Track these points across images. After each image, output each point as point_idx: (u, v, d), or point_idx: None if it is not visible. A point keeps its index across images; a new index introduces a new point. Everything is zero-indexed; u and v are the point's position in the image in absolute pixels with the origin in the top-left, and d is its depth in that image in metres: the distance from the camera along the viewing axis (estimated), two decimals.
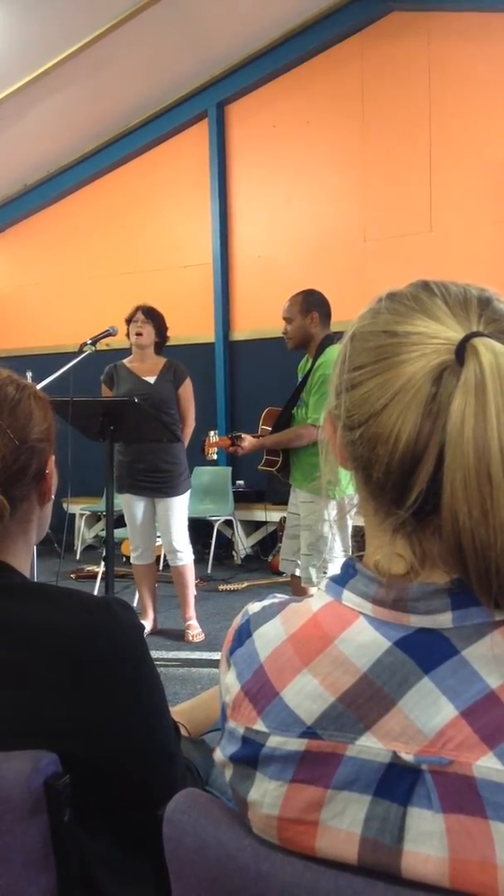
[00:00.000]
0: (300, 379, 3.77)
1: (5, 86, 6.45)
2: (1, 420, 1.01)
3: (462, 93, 6.04)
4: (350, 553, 3.50)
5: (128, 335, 4.35)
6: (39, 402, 1.08)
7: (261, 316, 6.91)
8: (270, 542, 6.76)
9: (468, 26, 5.99)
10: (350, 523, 3.59)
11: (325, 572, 3.52)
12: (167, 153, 7.45)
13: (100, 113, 7.18)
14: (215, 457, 3.76)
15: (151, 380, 4.32)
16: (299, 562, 3.72)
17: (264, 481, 6.64)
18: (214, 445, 3.70)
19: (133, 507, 4.38)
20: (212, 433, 3.79)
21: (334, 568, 3.45)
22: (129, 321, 4.34)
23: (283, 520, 6.23)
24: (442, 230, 6.17)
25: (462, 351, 0.64)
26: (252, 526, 6.99)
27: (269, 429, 3.81)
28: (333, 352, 3.09)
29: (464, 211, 6.06)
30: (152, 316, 4.33)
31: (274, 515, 6.51)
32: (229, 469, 6.86)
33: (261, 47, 6.72)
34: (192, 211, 7.31)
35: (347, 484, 0.79)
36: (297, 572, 3.75)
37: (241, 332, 7.20)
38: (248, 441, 3.66)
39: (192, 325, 6.96)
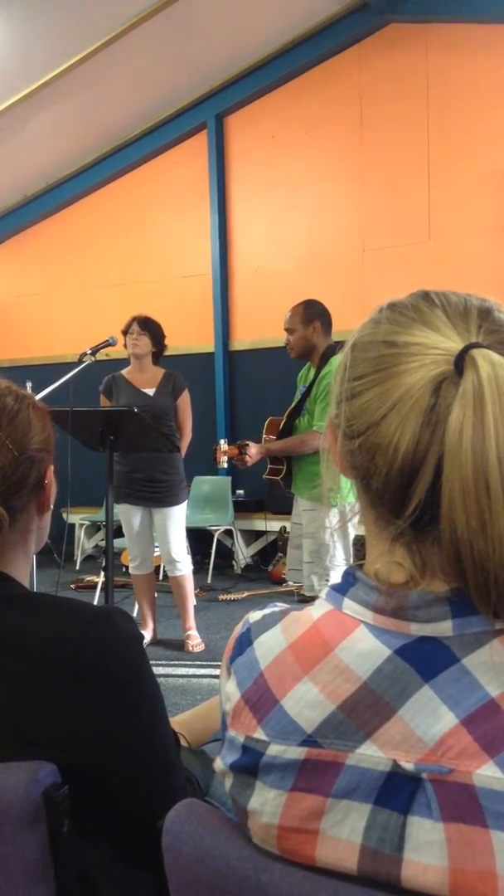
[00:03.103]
0: (302, 388, 3.79)
1: (6, 97, 6.48)
2: (0, 431, 1.01)
3: (460, 103, 6.07)
4: (351, 561, 3.50)
5: (125, 346, 4.36)
6: (38, 413, 1.08)
7: (260, 326, 6.93)
8: (271, 551, 6.76)
9: (466, 37, 6.02)
10: (352, 531, 3.59)
11: (327, 580, 3.52)
12: (166, 164, 7.48)
13: (100, 124, 7.21)
14: (226, 465, 3.75)
15: (150, 391, 4.32)
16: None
17: (264, 491, 6.64)
18: (225, 454, 3.70)
19: (131, 516, 4.38)
20: (222, 441, 3.78)
21: (336, 576, 3.46)
22: (125, 332, 4.35)
23: (284, 529, 6.28)
24: (440, 240, 6.19)
25: (461, 362, 0.65)
26: (252, 535, 6.99)
27: (273, 437, 3.82)
28: (337, 361, 3.19)
29: (462, 221, 6.08)
30: (148, 326, 4.33)
31: (274, 525, 6.50)
32: (229, 479, 6.86)
33: (259, 59, 6.75)
34: (192, 221, 7.33)
35: (349, 492, 0.79)
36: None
37: (240, 341, 7.21)
38: (254, 449, 3.65)
39: (191, 334, 6.98)
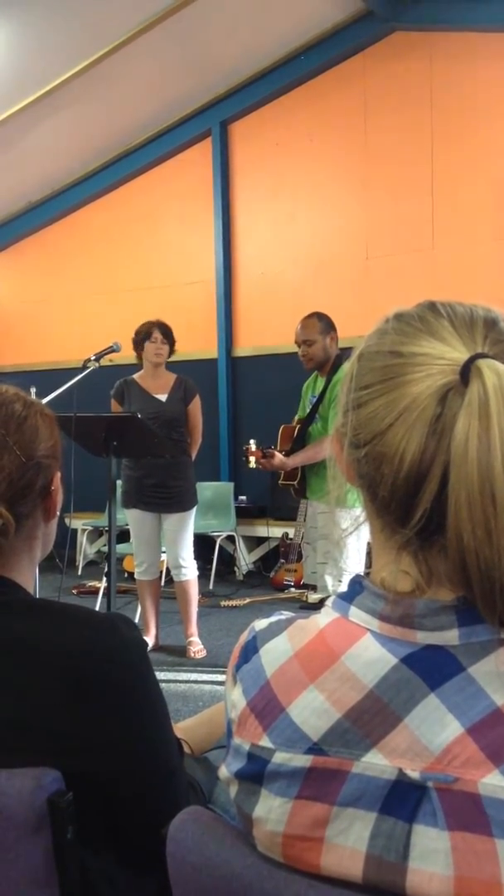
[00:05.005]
0: (311, 398, 3.87)
1: (11, 104, 6.50)
2: (7, 437, 1.02)
3: (464, 111, 6.08)
4: (364, 563, 3.56)
5: (137, 350, 4.35)
6: (46, 420, 1.09)
7: (263, 332, 6.94)
8: (272, 557, 6.75)
9: (470, 46, 6.04)
10: (366, 535, 3.63)
11: (340, 581, 3.58)
12: (171, 171, 7.50)
13: (104, 131, 7.23)
14: (254, 465, 3.90)
15: (163, 397, 4.33)
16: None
17: (267, 497, 6.64)
18: (252, 455, 3.88)
19: (140, 522, 4.38)
20: (252, 442, 3.94)
21: (349, 578, 3.50)
22: (145, 339, 4.32)
23: (286, 535, 6.29)
24: (444, 247, 6.20)
25: (466, 372, 0.65)
26: (254, 542, 6.98)
27: (288, 448, 3.92)
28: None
29: (466, 228, 6.09)
30: (168, 334, 4.35)
31: (276, 531, 6.50)
32: (231, 485, 6.87)
33: (264, 66, 6.77)
34: (196, 228, 7.35)
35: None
36: None
37: (243, 348, 7.22)
38: (277, 459, 3.83)
39: (195, 341, 6.98)
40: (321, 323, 3.77)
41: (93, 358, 3.75)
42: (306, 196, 6.85)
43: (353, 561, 3.51)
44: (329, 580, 3.63)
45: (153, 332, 4.31)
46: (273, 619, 0.80)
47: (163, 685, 1.06)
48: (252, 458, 3.88)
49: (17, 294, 8.49)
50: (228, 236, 7.21)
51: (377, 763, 0.66)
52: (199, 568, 4.55)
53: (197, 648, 4.44)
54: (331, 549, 3.62)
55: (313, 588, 4.85)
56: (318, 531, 3.78)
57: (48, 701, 0.93)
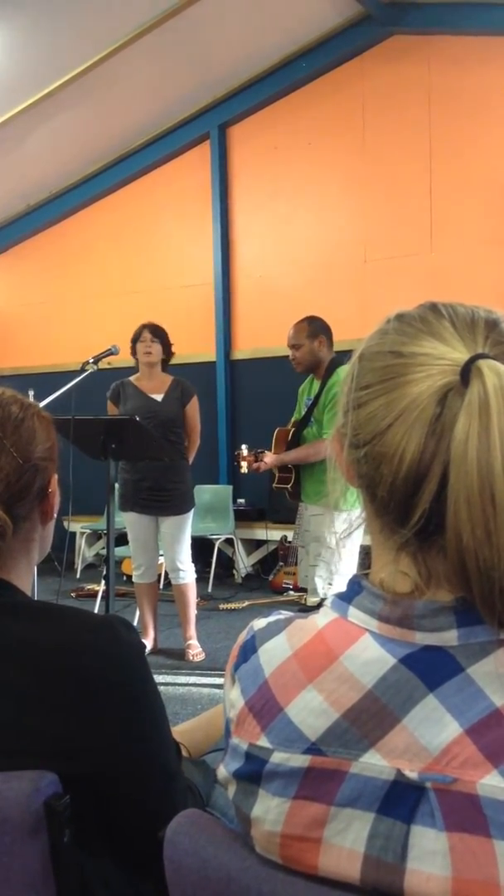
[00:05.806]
0: (307, 401, 3.87)
1: (10, 107, 6.51)
2: (5, 439, 1.02)
3: (462, 115, 6.10)
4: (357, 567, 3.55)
5: (133, 354, 4.37)
6: (43, 422, 1.09)
7: (262, 335, 6.94)
8: (271, 560, 6.75)
9: (468, 49, 6.06)
10: (359, 539, 3.64)
11: (330, 584, 3.57)
12: (169, 174, 7.52)
13: (103, 134, 7.25)
14: (246, 470, 3.90)
15: (159, 397, 4.33)
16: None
17: (265, 500, 6.64)
18: (244, 460, 3.89)
19: (137, 525, 4.38)
20: (243, 447, 3.94)
21: (341, 580, 3.50)
22: (135, 340, 4.35)
23: (285, 538, 6.28)
24: (442, 251, 6.21)
25: (467, 372, 0.65)
26: (253, 545, 6.98)
27: (282, 451, 3.92)
28: (344, 371, 3.37)
29: (464, 232, 6.10)
30: (158, 334, 4.36)
31: (275, 534, 6.50)
32: (230, 487, 6.87)
33: (263, 70, 6.79)
34: (194, 231, 7.36)
35: (356, 499, 0.80)
36: None
37: (241, 350, 7.23)
38: (269, 457, 3.85)
39: (193, 344, 6.98)
40: (310, 327, 3.78)
41: (91, 361, 3.74)
42: (304, 199, 6.86)
43: (346, 563, 3.51)
44: (319, 582, 3.62)
45: (142, 333, 4.34)
46: (272, 618, 0.80)
47: (161, 688, 1.06)
48: (244, 464, 3.88)
49: (15, 297, 8.50)
50: (227, 239, 7.22)
51: (375, 763, 0.65)
52: (198, 571, 4.55)
53: (195, 651, 4.44)
54: (322, 552, 3.62)
55: None
56: (311, 534, 3.77)
57: (46, 703, 0.92)
